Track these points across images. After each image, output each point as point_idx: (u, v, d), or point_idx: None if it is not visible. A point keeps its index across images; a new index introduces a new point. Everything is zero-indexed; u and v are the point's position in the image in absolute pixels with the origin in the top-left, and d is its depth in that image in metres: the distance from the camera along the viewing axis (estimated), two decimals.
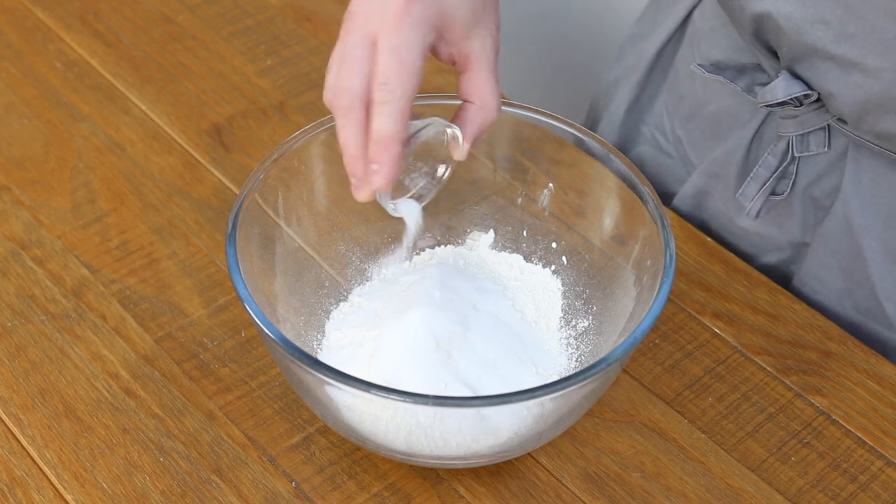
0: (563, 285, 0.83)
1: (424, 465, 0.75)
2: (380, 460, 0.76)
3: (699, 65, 0.91)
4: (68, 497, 0.74)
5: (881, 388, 0.81)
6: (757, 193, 0.88)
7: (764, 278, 0.88)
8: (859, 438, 0.79)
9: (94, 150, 0.96)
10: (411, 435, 0.70)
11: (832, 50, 0.78)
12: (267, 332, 0.69)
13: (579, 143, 0.81)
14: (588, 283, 0.82)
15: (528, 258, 0.85)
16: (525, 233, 0.85)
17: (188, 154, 0.96)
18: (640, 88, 1.01)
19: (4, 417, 0.78)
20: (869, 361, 0.83)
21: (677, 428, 0.79)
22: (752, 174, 0.88)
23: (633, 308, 0.76)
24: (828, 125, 0.84)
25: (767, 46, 0.84)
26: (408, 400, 0.67)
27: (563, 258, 0.84)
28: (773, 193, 0.88)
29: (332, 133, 0.81)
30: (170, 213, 0.91)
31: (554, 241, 0.84)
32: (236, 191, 0.93)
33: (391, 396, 0.67)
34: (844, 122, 0.82)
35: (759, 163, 0.88)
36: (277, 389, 0.80)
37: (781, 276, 0.93)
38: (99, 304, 0.84)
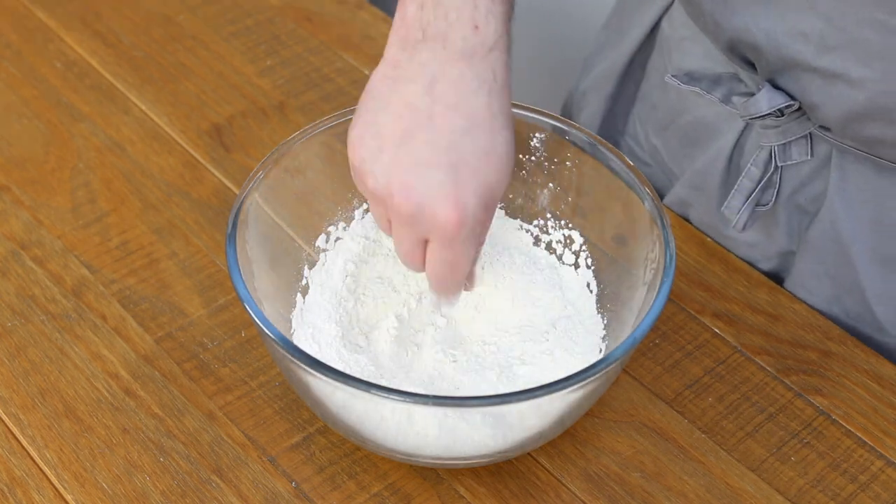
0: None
1: (424, 465, 0.75)
2: (380, 460, 0.76)
3: (673, 76, 0.90)
4: (68, 497, 0.74)
5: (881, 388, 0.82)
6: (743, 205, 0.87)
7: (764, 278, 0.88)
8: (859, 438, 0.79)
9: (94, 150, 0.96)
10: (411, 435, 0.70)
11: (814, 62, 0.77)
12: (267, 332, 0.69)
13: (579, 143, 0.81)
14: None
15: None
16: (525, 233, 0.85)
17: (188, 154, 0.96)
18: (613, 100, 1.00)
19: (4, 417, 0.78)
20: (869, 361, 0.83)
21: (677, 428, 0.79)
22: (736, 186, 0.87)
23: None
24: (809, 133, 0.84)
25: (744, 59, 0.83)
26: (408, 400, 0.67)
27: (564, 258, 0.84)
28: (758, 204, 0.87)
29: (333, 133, 0.81)
30: (170, 213, 0.91)
31: (554, 241, 0.84)
32: (236, 191, 0.93)
33: (391, 396, 0.67)
34: (828, 129, 0.82)
35: (743, 174, 0.87)
36: (277, 389, 0.80)
37: None
38: (99, 304, 0.84)
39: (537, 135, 0.83)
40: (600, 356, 0.78)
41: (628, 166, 0.78)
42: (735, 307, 0.86)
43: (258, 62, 1.05)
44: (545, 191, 0.84)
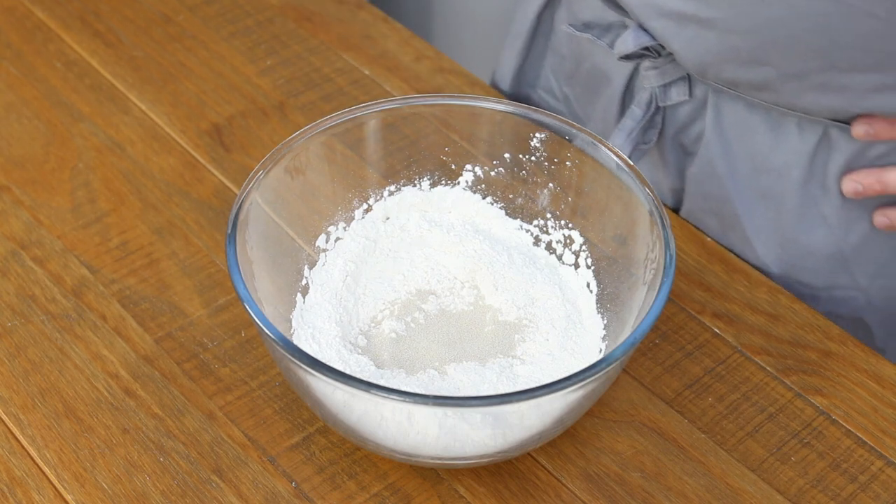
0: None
1: (424, 465, 0.75)
2: (380, 460, 0.76)
3: (570, 25, 0.96)
4: (68, 497, 0.74)
5: (881, 388, 0.82)
6: (623, 143, 0.92)
7: (763, 278, 0.88)
8: (859, 438, 0.79)
9: (94, 150, 0.96)
10: (411, 435, 0.70)
11: (667, 6, 0.82)
12: (267, 332, 0.69)
13: (579, 143, 0.81)
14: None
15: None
16: (525, 233, 0.85)
17: (188, 154, 0.96)
18: (524, 55, 1.04)
19: (4, 417, 0.78)
20: (869, 361, 0.83)
21: (677, 428, 0.79)
22: (619, 125, 0.92)
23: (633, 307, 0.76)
24: (688, 74, 0.89)
25: (618, 5, 0.89)
26: (408, 400, 0.67)
27: (564, 258, 0.84)
28: (642, 143, 0.92)
29: (333, 133, 0.81)
30: (170, 213, 0.91)
31: (554, 241, 0.84)
32: (236, 191, 0.93)
33: (391, 396, 0.67)
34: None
35: (626, 114, 0.92)
36: (277, 389, 0.80)
37: None
38: (99, 304, 0.84)
39: (537, 135, 0.83)
40: (600, 356, 0.78)
41: (628, 166, 0.78)
42: (735, 307, 0.86)
43: (258, 62, 1.05)
44: (545, 191, 0.84)
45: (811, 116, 0.85)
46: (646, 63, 0.90)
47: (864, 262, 0.90)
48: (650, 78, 0.90)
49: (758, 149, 0.88)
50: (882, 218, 0.88)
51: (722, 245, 0.91)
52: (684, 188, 0.95)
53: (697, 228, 0.92)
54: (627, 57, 0.89)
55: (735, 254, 0.91)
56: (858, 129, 0.83)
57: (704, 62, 0.84)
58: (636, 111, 0.91)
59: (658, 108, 0.91)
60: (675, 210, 0.96)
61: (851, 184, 0.86)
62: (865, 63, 0.79)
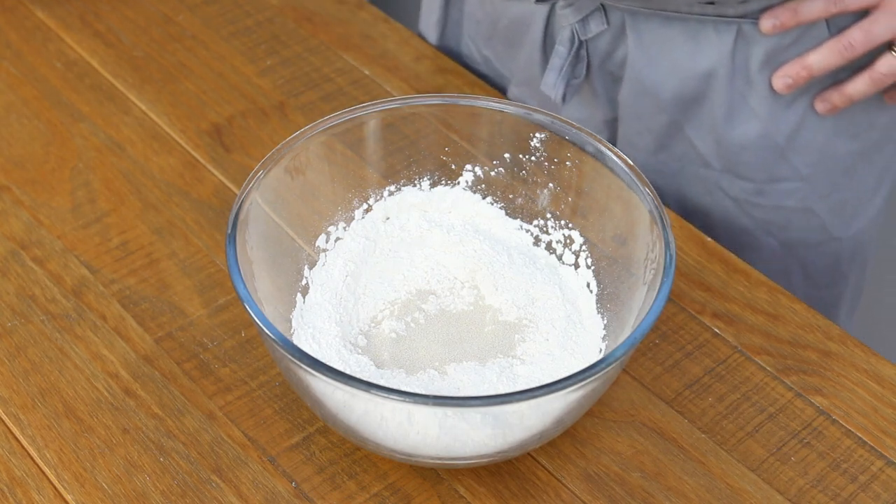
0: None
1: (424, 465, 0.75)
2: (380, 460, 0.76)
3: None
4: (68, 497, 0.74)
5: (881, 388, 0.82)
6: (556, 81, 0.96)
7: (764, 278, 0.88)
8: (859, 438, 0.79)
9: (94, 150, 0.96)
10: (411, 435, 0.70)
11: None
12: (267, 332, 0.69)
13: (580, 143, 0.81)
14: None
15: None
16: (525, 233, 0.85)
17: (188, 154, 0.96)
18: (442, 25, 1.08)
19: (4, 417, 0.78)
20: (869, 361, 0.83)
21: (677, 428, 0.79)
22: (549, 66, 0.97)
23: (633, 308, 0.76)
24: (602, 5, 0.92)
25: None
26: (408, 400, 0.67)
27: (564, 258, 0.84)
28: (573, 78, 0.96)
29: (333, 133, 0.81)
30: (170, 213, 0.91)
31: (554, 241, 0.84)
32: (236, 191, 0.93)
33: (391, 396, 0.67)
34: None
35: (552, 54, 0.96)
36: (277, 389, 0.80)
37: None
38: (99, 304, 0.84)
39: (537, 135, 0.83)
40: (600, 356, 0.78)
41: (628, 166, 0.78)
42: (735, 307, 0.86)
43: (258, 62, 1.05)
44: (545, 191, 0.84)
45: (725, 17, 0.89)
46: (560, 3, 0.95)
47: (801, 150, 0.95)
48: (567, 16, 0.95)
49: (680, 58, 0.93)
50: (823, 104, 0.93)
51: (659, 181, 0.96)
52: (617, 117, 0.99)
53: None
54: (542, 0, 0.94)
55: (676, 164, 0.95)
56: (766, 24, 0.89)
57: None
58: (560, 49, 0.96)
59: (581, 42, 0.95)
60: (612, 142, 1.00)
61: (781, 80, 0.91)
62: None
